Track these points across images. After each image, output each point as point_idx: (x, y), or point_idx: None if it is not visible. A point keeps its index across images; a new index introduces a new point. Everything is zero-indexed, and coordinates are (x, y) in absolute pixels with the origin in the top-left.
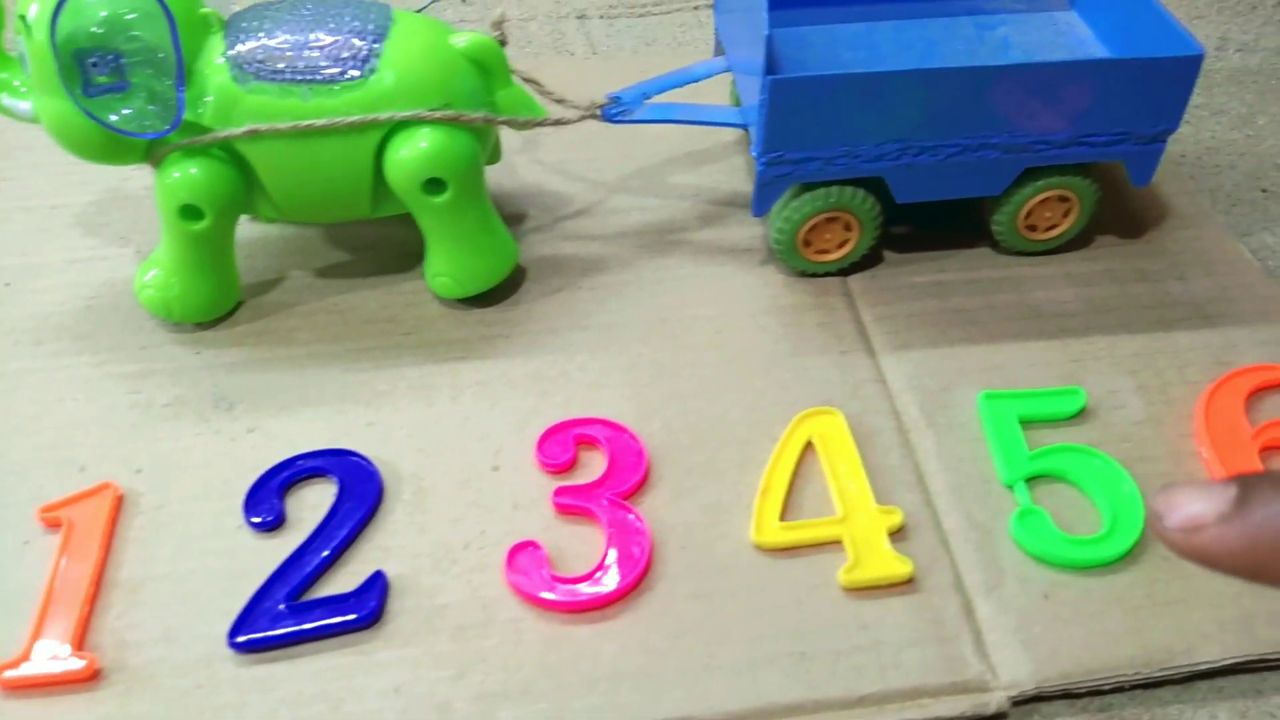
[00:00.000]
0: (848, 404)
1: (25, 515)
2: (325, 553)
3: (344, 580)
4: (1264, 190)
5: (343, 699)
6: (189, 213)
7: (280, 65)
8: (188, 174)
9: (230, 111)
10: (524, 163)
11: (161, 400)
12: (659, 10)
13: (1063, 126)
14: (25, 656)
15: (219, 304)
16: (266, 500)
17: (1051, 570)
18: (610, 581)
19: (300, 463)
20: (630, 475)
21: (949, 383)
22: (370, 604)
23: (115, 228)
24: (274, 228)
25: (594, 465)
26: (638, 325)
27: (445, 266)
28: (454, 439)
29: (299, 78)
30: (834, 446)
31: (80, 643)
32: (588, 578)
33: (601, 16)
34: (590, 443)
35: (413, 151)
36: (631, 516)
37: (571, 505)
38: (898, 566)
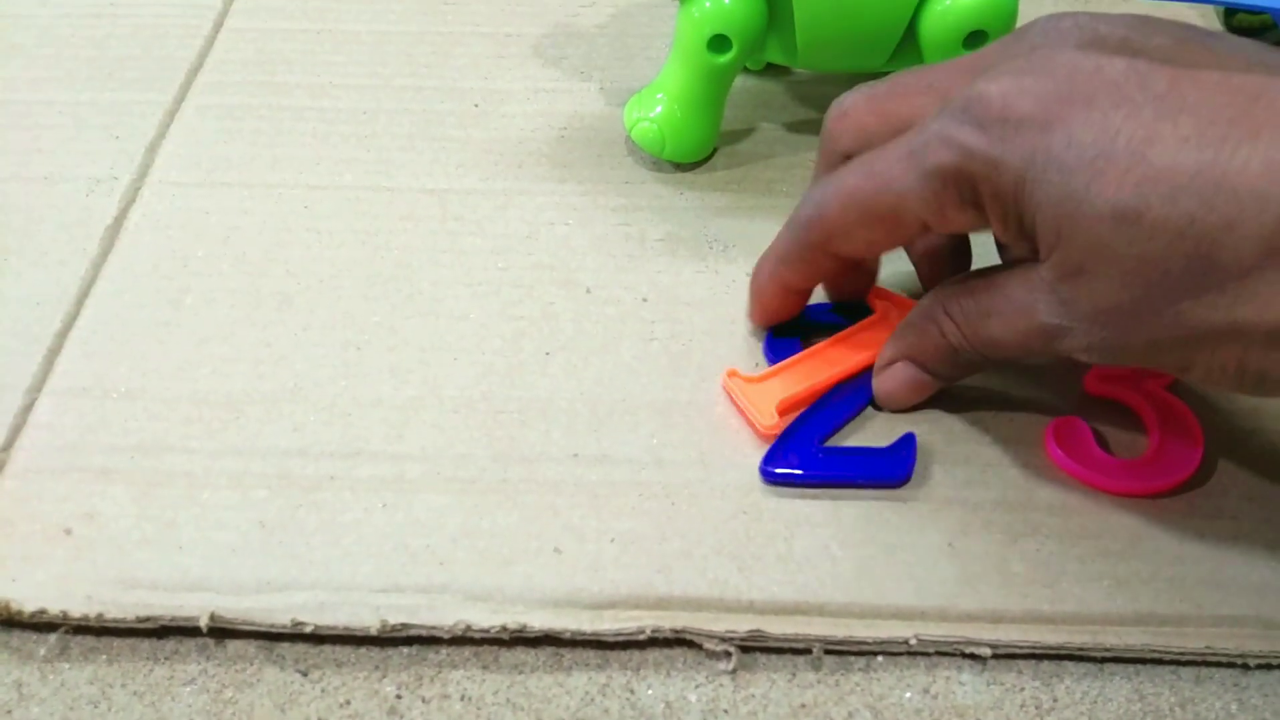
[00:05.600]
0: None
1: (541, 329)
2: (853, 408)
3: (866, 437)
4: None
5: (895, 546)
6: (717, 44)
7: None
8: (720, 4)
9: None
10: None
11: (654, 235)
12: None
13: None
14: None
15: (705, 146)
16: (786, 346)
17: None
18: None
19: (816, 316)
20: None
21: None
22: (905, 463)
23: (573, 62)
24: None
25: None
26: None
27: None
28: None
29: None
30: None
31: None
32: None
33: None
34: None
35: (961, 1)
36: (1178, 406)
37: (1106, 389)
38: None
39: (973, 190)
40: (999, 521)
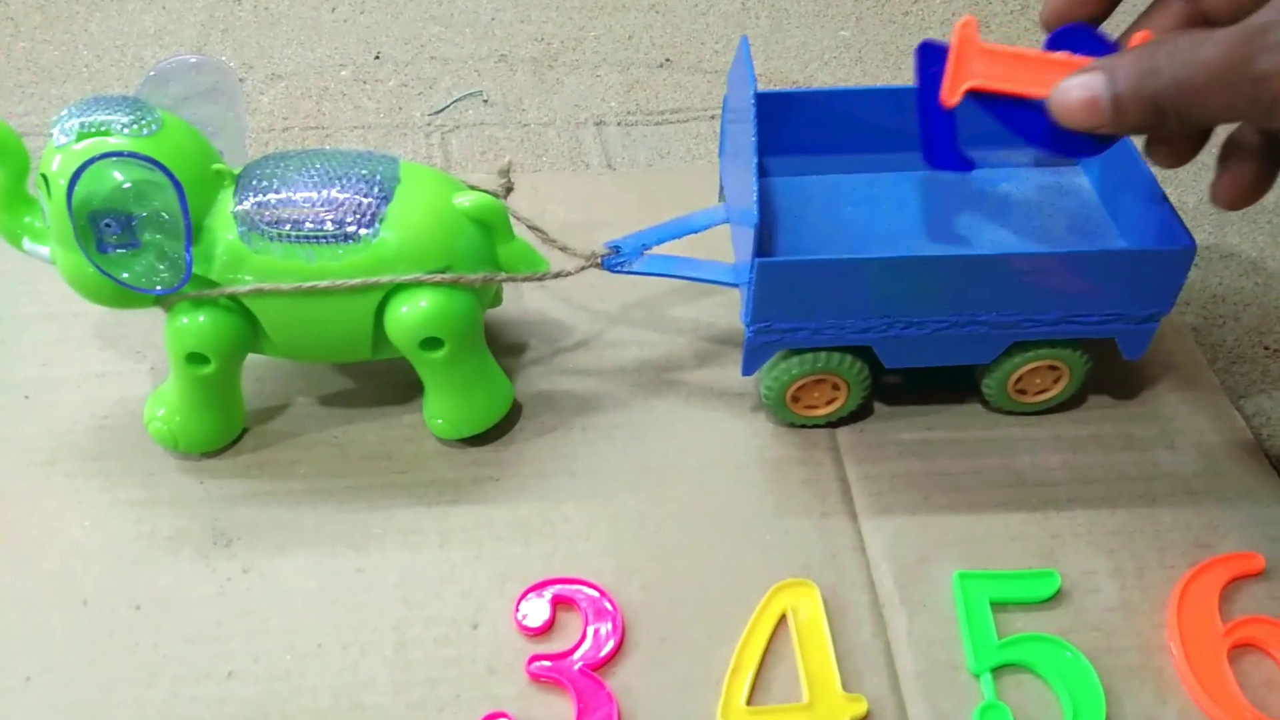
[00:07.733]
0: (825, 573)
1: (29, 649)
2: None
3: None
4: (1267, 348)
5: None
6: (195, 359)
7: (286, 227)
8: (195, 322)
9: (237, 268)
10: (529, 288)
11: (165, 532)
12: (675, 119)
13: (1052, 307)
14: None
15: (223, 436)
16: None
17: None
18: None
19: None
20: (604, 644)
21: (927, 554)
22: None
23: (131, 341)
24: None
25: (571, 626)
26: (625, 473)
27: (441, 410)
28: (438, 591)
29: (304, 239)
30: (807, 624)
31: None
32: None
33: (619, 124)
34: (569, 604)
35: (412, 311)
36: (603, 691)
37: (545, 674)
38: None
39: None
40: None
